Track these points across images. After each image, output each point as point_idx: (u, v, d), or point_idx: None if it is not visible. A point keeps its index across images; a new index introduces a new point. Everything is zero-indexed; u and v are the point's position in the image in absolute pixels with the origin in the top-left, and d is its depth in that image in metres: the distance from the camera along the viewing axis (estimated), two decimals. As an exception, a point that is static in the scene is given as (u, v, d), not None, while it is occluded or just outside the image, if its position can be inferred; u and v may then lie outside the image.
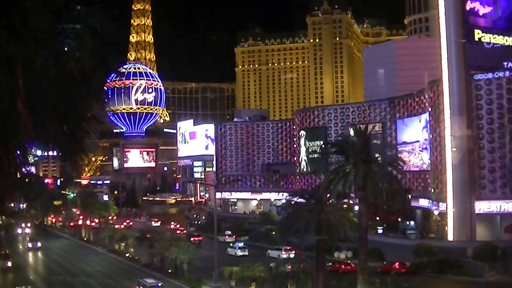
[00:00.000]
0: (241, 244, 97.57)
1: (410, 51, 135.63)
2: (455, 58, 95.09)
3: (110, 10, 15.59)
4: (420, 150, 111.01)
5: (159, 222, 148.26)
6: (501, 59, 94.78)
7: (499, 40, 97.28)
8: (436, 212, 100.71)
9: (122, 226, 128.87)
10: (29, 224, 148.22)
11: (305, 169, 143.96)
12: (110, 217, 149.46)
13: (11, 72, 13.14)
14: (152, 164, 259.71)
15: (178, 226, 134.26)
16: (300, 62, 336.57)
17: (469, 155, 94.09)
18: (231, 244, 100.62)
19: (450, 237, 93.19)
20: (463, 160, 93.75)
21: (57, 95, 14.57)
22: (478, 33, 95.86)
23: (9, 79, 13.12)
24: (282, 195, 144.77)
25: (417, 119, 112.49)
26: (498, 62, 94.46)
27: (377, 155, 62.72)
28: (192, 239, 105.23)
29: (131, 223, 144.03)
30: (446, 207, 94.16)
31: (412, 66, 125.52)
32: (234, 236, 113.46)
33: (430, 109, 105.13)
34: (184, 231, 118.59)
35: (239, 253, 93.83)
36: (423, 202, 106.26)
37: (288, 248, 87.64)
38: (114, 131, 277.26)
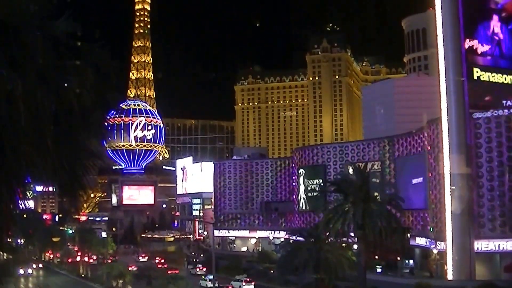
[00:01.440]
0: (211, 277, 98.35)
1: (409, 90, 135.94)
2: (454, 96, 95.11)
3: (111, 46, 15.68)
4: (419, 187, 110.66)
5: (146, 258, 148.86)
6: (500, 97, 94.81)
7: (498, 78, 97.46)
8: (435, 251, 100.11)
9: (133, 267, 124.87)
10: (34, 265, 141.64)
11: (304, 207, 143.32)
12: (109, 255, 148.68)
13: (13, 108, 13.15)
14: (151, 201, 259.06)
15: (162, 261, 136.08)
16: (299, 100, 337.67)
17: (468, 194, 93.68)
18: (203, 277, 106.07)
19: (450, 276, 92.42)
20: (462, 198, 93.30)
21: (57, 131, 14.46)
22: (477, 71, 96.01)
23: (10, 115, 13.11)
24: (280, 233, 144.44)
25: (416, 157, 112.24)
26: (497, 100, 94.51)
27: (376, 193, 62.68)
28: (169, 272, 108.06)
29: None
30: (445, 245, 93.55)
31: (411, 105, 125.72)
32: (204, 268, 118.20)
33: (429, 148, 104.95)
34: (176, 271, 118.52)
35: (209, 284, 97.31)
36: (422, 241, 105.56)
37: (248, 279, 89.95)
38: (113, 167, 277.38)
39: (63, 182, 15.38)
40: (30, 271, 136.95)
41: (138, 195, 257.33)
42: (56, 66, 14.45)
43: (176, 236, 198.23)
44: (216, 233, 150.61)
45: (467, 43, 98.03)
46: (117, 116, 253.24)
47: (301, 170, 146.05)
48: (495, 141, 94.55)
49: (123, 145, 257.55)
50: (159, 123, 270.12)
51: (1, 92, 13.16)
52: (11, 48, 13.45)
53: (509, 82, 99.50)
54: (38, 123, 13.88)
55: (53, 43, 14.43)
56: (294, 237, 68.08)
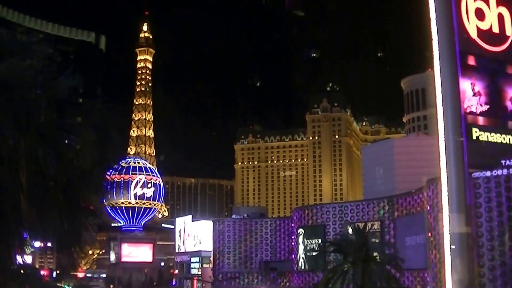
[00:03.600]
0: None
1: (408, 149, 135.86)
2: (453, 156, 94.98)
3: (112, 104, 15.66)
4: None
5: None
6: (499, 157, 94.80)
7: (497, 138, 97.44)
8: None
9: None
10: None
11: (303, 267, 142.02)
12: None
13: (14, 167, 13.44)
14: (149, 259, 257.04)
15: None
16: (299, 160, 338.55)
17: (468, 253, 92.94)
18: None
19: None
20: (462, 258, 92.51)
21: (56, 189, 14.74)
22: (476, 132, 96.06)
23: (12, 174, 13.37)
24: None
25: (415, 217, 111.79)
26: (496, 160, 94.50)
27: (375, 253, 62.26)
28: None
29: None
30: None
31: (411, 164, 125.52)
32: None
33: (428, 207, 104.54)
34: None
35: None
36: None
37: None
38: (112, 225, 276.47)
39: (61, 239, 15.75)
40: None
41: (137, 252, 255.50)
42: (58, 124, 14.86)
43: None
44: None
45: (466, 103, 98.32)
46: (117, 173, 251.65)
47: (300, 230, 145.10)
48: (495, 200, 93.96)
49: (123, 203, 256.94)
50: (159, 181, 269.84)
51: (4, 151, 13.37)
52: (14, 107, 13.67)
53: (508, 142, 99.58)
54: (39, 182, 14.14)
55: (55, 101, 14.84)
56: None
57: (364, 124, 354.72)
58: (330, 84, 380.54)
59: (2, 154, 13.33)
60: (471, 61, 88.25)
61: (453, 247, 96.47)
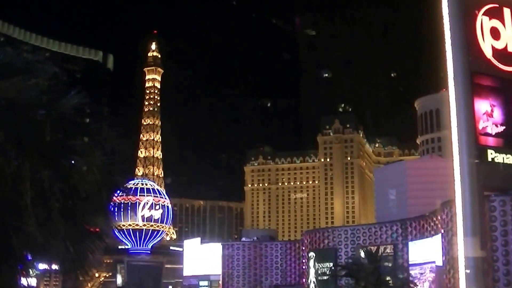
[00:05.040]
0: None
1: (422, 172, 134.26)
2: (468, 179, 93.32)
3: (120, 124, 15.77)
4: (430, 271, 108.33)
5: None
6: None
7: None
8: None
9: None
10: None
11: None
12: None
13: (18, 188, 13.05)
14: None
15: None
16: (310, 182, 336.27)
17: (483, 278, 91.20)
18: None
19: None
20: (477, 283, 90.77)
21: (61, 211, 14.35)
22: (491, 153, 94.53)
23: (16, 196, 13.03)
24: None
25: (429, 240, 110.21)
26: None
27: (388, 278, 61.02)
28: None
29: None
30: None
31: (424, 187, 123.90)
32: None
33: (442, 231, 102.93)
34: None
35: None
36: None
37: None
38: (119, 247, 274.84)
39: (65, 262, 15.33)
40: None
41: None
42: (63, 145, 14.37)
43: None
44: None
45: (481, 124, 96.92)
46: (124, 195, 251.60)
47: (311, 253, 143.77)
48: (511, 224, 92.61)
49: (130, 225, 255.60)
50: (167, 203, 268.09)
51: (7, 172, 13.07)
52: (17, 127, 13.37)
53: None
54: (43, 204, 13.76)
55: (61, 121, 14.43)
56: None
57: (377, 145, 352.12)
58: (342, 105, 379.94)
59: (5, 175, 12.93)
60: (486, 81, 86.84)
61: (468, 271, 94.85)
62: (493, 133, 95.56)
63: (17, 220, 13.10)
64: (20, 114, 13.40)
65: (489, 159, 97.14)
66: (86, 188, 14.73)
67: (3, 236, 13.05)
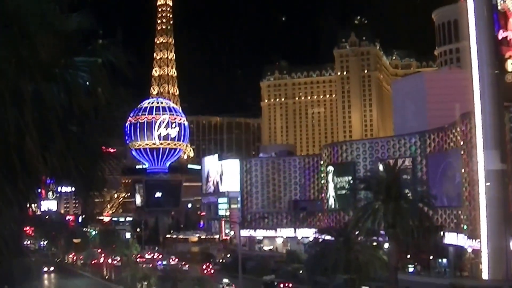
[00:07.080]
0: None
1: (441, 84, 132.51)
2: (488, 90, 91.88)
3: (133, 44, 14.75)
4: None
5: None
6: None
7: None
8: (469, 250, 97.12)
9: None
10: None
11: (333, 206, 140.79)
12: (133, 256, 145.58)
13: (20, 107, 12.48)
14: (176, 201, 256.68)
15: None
16: (327, 96, 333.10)
17: (503, 190, 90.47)
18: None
19: (485, 276, 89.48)
20: (497, 195, 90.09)
21: (68, 131, 13.98)
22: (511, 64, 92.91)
23: (17, 114, 12.41)
24: (309, 233, 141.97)
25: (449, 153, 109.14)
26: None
27: (407, 191, 60.28)
28: None
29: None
30: (480, 244, 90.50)
31: (443, 99, 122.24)
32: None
33: (462, 143, 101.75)
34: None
35: None
36: (456, 240, 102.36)
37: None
38: (137, 167, 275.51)
39: (78, 183, 15.05)
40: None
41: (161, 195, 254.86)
42: (66, 63, 13.76)
43: (201, 237, 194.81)
44: (243, 233, 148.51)
45: (501, 34, 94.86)
46: (140, 114, 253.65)
47: (330, 168, 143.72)
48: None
49: (147, 144, 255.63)
50: (183, 121, 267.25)
51: (7, 90, 12.40)
52: (16, 41, 12.63)
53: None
54: (46, 123, 13.18)
55: (65, 38, 13.73)
56: (323, 237, 66.07)
57: (394, 58, 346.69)
58: (358, 17, 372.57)
59: (5, 93, 12.28)
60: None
61: (488, 184, 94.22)
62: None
63: (19, 140, 12.49)
64: (19, 32, 12.71)
65: (510, 70, 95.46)
66: (94, 107, 14.18)
67: (5, 156, 12.54)
